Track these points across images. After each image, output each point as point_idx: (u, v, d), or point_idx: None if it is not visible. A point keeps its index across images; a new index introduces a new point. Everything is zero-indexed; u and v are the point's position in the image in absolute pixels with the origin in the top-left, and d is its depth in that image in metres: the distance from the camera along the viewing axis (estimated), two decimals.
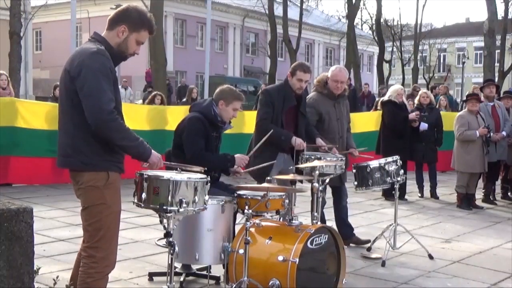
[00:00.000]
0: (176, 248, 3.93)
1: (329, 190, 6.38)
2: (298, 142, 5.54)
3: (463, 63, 43.76)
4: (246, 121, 10.00)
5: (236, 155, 4.96)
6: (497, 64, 25.98)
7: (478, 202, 9.21)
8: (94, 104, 3.28)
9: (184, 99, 16.82)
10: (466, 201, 8.99)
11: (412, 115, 9.34)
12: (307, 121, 5.98)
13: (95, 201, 3.44)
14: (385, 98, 9.69)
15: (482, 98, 9.83)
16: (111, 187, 3.46)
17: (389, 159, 6.07)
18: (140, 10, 3.61)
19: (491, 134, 8.96)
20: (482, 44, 26.98)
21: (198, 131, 4.86)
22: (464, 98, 11.43)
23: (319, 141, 5.89)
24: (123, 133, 3.36)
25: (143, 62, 31.67)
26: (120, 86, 19.36)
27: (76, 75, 3.35)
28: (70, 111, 3.43)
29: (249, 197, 4.58)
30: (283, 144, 5.53)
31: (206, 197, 3.82)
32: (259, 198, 4.57)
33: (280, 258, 4.18)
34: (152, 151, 3.51)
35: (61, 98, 3.53)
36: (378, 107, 13.89)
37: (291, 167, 5.43)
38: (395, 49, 44.08)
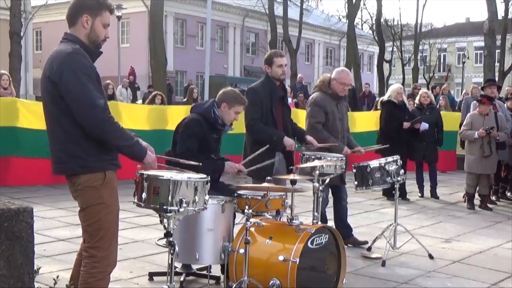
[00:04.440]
0: (176, 248, 3.93)
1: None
2: (289, 143, 5.55)
3: (463, 63, 43.80)
4: None
5: (227, 163, 4.92)
6: (497, 64, 25.98)
7: (477, 202, 9.16)
8: (85, 105, 3.24)
9: (185, 99, 16.84)
10: (471, 201, 8.98)
11: (405, 125, 9.33)
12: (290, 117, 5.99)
13: (93, 201, 3.43)
14: (385, 98, 9.72)
15: None
16: (108, 186, 3.45)
17: (389, 159, 6.07)
18: None
19: (499, 134, 8.85)
20: (482, 44, 26.99)
21: (193, 133, 4.84)
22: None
23: (310, 138, 5.90)
24: (118, 133, 3.34)
25: (143, 62, 31.67)
26: (120, 86, 19.41)
27: (58, 79, 3.29)
28: (57, 116, 3.38)
29: (249, 197, 4.58)
30: (276, 145, 5.52)
31: (206, 197, 3.82)
32: (259, 198, 4.57)
33: (281, 258, 4.18)
34: (148, 151, 3.49)
35: (46, 104, 3.45)
36: (378, 107, 13.93)
37: (289, 167, 5.45)
38: (395, 49, 44.10)
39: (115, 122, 3.35)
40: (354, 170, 6.11)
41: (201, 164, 4.20)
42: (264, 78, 5.84)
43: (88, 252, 3.48)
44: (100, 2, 3.51)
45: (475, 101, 9.72)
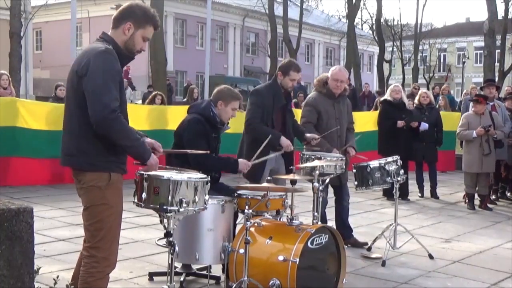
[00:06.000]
0: (176, 248, 3.93)
1: (331, 190, 6.39)
2: (286, 143, 5.56)
3: (463, 63, 43.77)
4: None
5: (240, 160, 4.96)
6: (497, 64, 25.97)
7: (477, 202, 9.16)
8: (98, 101, 3.28)
9: (185, 99, 16.84)
10: (471, 201, 8.99)
11: (399, 123, 9.31)
12: (294, 118, 6.03)
13: (97, 201, 3.45)
14: (383, 97, 9.81)
15: None
16: (113, 187, 3.46)
17: (389, 159, 6.07)
18: (144, 6, 3.65)
19: (497, 132, 8.85)
20: (482, 44, 26.98)
21: (199, 133, 4.85)
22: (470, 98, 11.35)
23: (309, 135, 5.91)
24: (124, 132, 3.36)
25: (143, 62, 31.66)
26: None
27: (84, 74, 3.37)
28: (76, 111, 3.43)
29: (249, 197, 4.59)
30: (273, 143, 5.53)
31: (206, 197, 3.82)
32: (259, 198, 4.58)
33: (281, 258, 4.18)
34: (152, 154, 3.52)
35: (68, 98, 3.55)
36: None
37: (288, 166, 5.47)
38: (395, 49, 44.10)
39: (123, 122, 3.36)
40: (354, 170, 6.11)
41: (208, 152, 4.26)
42: (271, 81, 5.87)
43: (88, 251, 3.50)
44: (148, 15, 3.59)
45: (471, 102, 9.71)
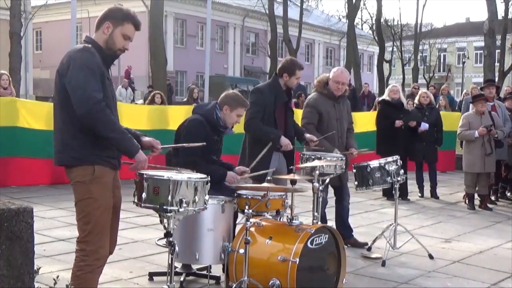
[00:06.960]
0: (176, 248, 3.94)
1: (331, 189, 6.39)
2: (285, 142, 5.56)
3: (463, 63, 43.77)
4: None
5: (229, 172, 4.94)
6: (497, 64, 25.96)
7: (477, 202, 9.16)
8: (82, 95, 3.37)
9: (185, 99, 16.85)
10: (471, 201, 8.99)
11: (397, 123, 9.30)
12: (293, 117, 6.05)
13: (82, 196, 3.53)
14: (382, 97, 9.82)
15: None
16: (98, 181, 3.51)
17: (389, 159, 6.07)
18: (123, 8, 3.73)
19: (497, 132, 8.85)
20: (482, 44, 26.98)
21: (196, 135, 4.81)
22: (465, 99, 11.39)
23: (309, 136, 5.91)
24: (110, 125, 3.42)
25: (143, 62, 31.67)
26: (120, 86, 19.46)
27: (64, 72, 3.48)
28: (60, 108, 3.55)
29: (249, 197, 4.59)
30: (273, 143, 5.53)
31: (206, 197, 3.82)
32: (259, 198, 4.58)
33: (280, 258, 4.18)
34: (140, 150, 3.55)
35: (54, 97, 3.67)
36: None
37: (290, 166, 5.46)
38: (395, 49, 44.10)
39: (109, 115, 3.42)
40: (354, 170, 6.11)
41: (205, 144, 4.37)
42: (271, 80, 5.88)
43: (78, 246, 3.58)
44: (125, 13, 3.68)
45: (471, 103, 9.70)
